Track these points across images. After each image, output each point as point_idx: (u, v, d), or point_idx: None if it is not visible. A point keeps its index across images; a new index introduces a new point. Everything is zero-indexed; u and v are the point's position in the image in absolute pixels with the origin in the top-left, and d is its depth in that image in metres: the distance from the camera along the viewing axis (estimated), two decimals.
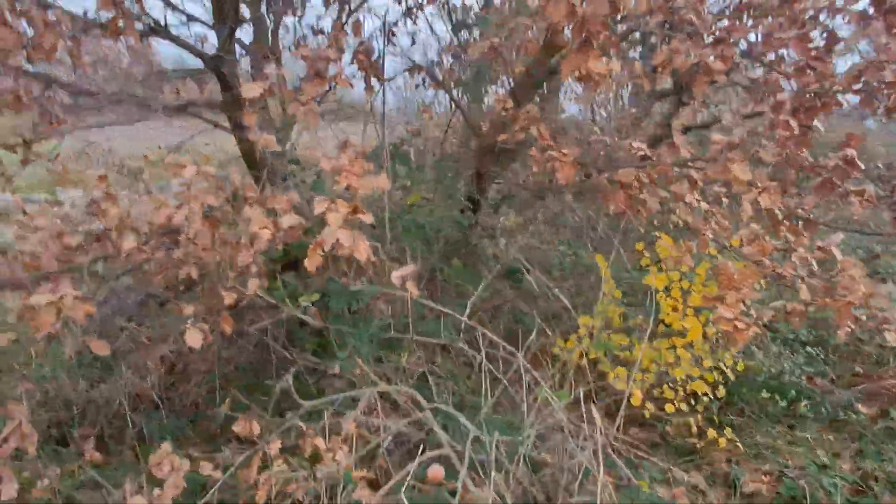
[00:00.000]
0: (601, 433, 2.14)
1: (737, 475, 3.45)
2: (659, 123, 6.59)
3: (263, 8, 4.59)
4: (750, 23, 3.00)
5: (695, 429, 3.50)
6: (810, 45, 2.77)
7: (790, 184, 2.49)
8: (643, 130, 6.69)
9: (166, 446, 2.83)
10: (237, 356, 4.00)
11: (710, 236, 3.24)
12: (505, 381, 2.58)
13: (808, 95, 2.74)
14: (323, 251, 2.17)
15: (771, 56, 3.00)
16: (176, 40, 3.40)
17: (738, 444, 3.42)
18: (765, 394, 3.78)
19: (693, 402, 3.59)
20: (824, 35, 2.85)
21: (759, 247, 3.08)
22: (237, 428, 2.56)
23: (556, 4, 1.79)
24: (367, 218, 2.40)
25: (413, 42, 5.04)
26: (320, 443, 2.37)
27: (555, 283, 4.25)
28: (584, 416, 2.24)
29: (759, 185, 2.71)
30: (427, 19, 4.32)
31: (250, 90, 2.56)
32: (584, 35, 1.86)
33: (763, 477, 3.50)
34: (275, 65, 2.61)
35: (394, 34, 3.82)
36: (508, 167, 3.80)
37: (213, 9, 3.67)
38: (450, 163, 3.39)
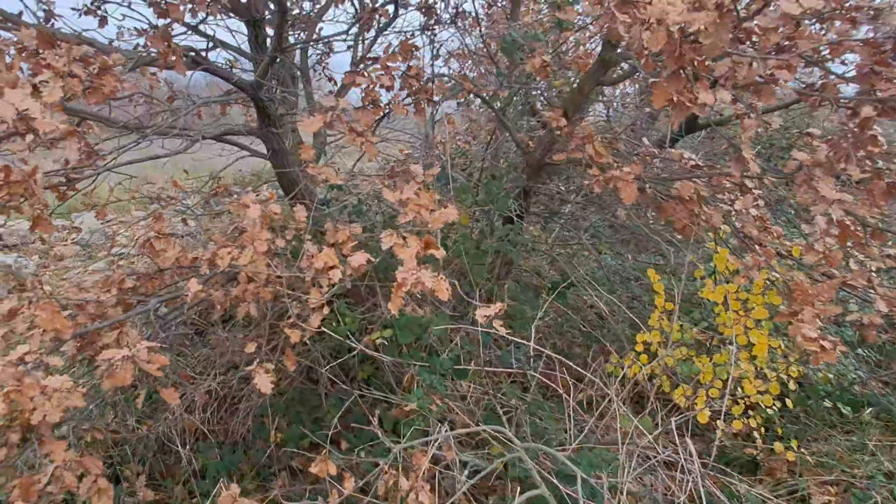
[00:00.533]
0: (698, 466, 2.08)
1: (803, 487, 3.39)
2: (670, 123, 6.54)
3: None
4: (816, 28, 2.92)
5: (760, 442, 3.43)
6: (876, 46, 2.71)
7: (880, 197, 2.41)
8: (656, 130, 6.66)
9: (234, 488, 2.77)
10: (284, 386, 3.94)
11: (770, 247, 3.18)
12: (592, 423, 2.51)
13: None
14: (405, 293, 2.10)
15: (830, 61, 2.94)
16: (215, 71, 3.33)
17: (808, 457, 3.35)
18: (828, 402, 3.71)
19: (751, 412, 3.53)
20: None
21: (824, 257, 3.01)
22: (314, 468, 2.49)
23: (655, 36, 1.73)
24: (440, 253, 2.34)
25: (437, 55, 4.99)
26: (403, 483, 2.31)
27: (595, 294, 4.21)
28: (679, 445, 2.18)
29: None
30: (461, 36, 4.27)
31: (311, 125, 2.49)
32: (679, 64, 1.80)
33: (830, 488, 3.44)
34: (336, 95, 2.54)
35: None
36: (552, 183, 3.75)
37: (249, 39, 3.61)
38: (498, 181, 3.32)
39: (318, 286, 2.47)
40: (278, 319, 3.71)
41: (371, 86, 2.76)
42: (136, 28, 4.54)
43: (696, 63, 1.82)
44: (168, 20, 4.15)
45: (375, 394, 2.94)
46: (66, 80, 2.04)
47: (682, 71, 1.87)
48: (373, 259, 2.47)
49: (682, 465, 2.09)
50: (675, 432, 2.58)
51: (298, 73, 4.66)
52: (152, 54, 2.81)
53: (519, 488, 2.06)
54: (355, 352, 2.99)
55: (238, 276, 2.86)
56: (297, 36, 4.28)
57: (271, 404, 3.85)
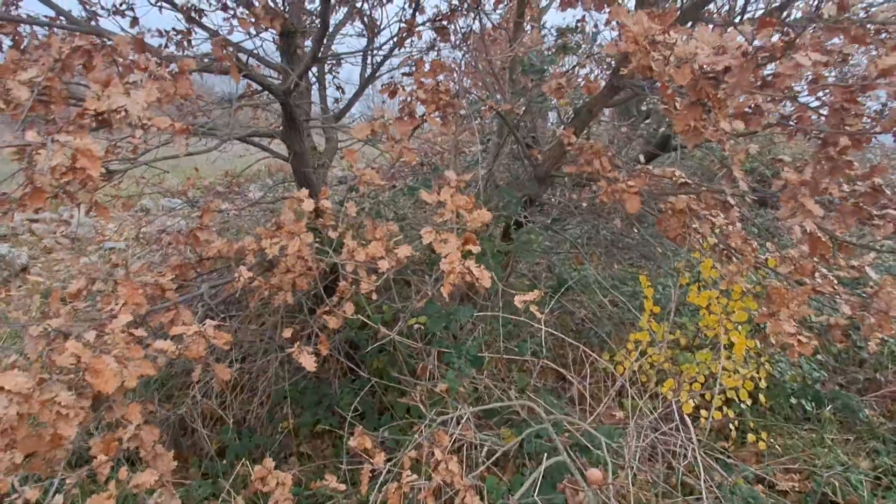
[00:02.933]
0: (695, 441, 2.43)
1: (770, 474, 3.78)
2: (647, 141, 7.04)
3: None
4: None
5: (733, 434, 3.82)
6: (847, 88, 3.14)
7: (849, 216, 2.82)
8: (633, 147, 7.12)
9: (269, 462, 3.01)
10: (296, 373, 4.17)
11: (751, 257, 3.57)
12: (603, 407, 2.84)
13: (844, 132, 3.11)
14: (453, 282, 2.40)
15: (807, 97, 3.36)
16: (254, 77, 3.59)
17: (777, 447, 3.75)
18: (793, 400, 4.14)
19: (726, 407, 3.92)
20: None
21: (798, 267, 3.43)
22: (353, 442, 2.75)
23: (681, 72, 2.09)
24: (477, 248, 2.64)
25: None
26: (438, 454, 2.59)
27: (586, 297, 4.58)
28: (679, 426, 2.53)
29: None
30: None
31: (360, 131, 2.79)
32: (698, 97, 2.16)
33: (793, 475, 3.85)
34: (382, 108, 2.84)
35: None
36: (555, 192, 4.10)
37: (282, 49, 3.89)
38: (512, 189, 3.65)
39: (365, 276, 2.75)
40: (298, 310, 3.97)
41: (409, 98, 3.06)
42: (157, 29, 4.77)
43: (710, 96, 2.18)
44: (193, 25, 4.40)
45: (420, 381, 3.21)
46: (160, 82, 2.29)
47: (699, 103, 2.23)
48: (415, 253, 2.76)
49: (681, 440, 2.44)
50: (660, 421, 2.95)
51: (315, 81, 4.94)
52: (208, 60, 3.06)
53: (545, 457, 2.37)
54: (386, 339, 3.23)
55: (277, 266, 3.11)
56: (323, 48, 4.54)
57: (284, 391, 4.08)
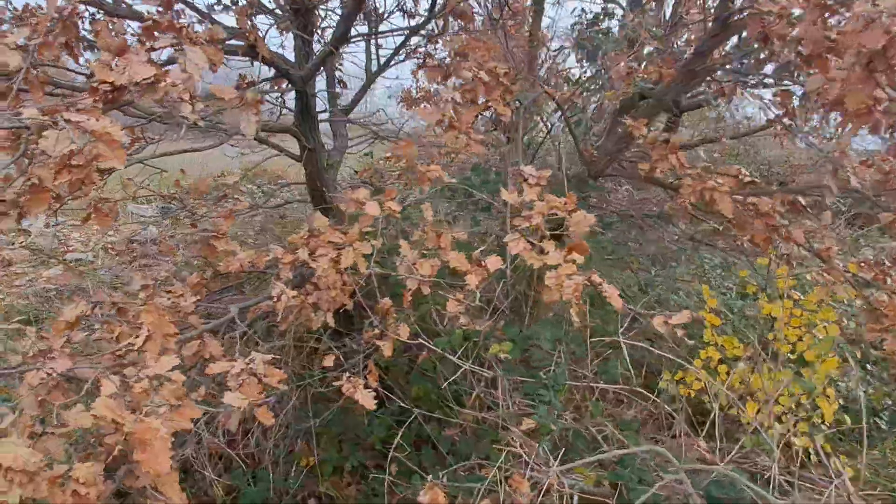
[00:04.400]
0: (850, 488, 2.03)
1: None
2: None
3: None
4: None
5: (816, 459, 3.45)
6: None
7: None
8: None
9: None
10: (316, 402, 3.62)
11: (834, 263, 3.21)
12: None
13: None
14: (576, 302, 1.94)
15: None
16: (272, 63, 3.07)
17: (867, 473, 3.39)
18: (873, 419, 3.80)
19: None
20: None
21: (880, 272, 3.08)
22: (423, 498, 2.23)
23: (871, 34, 1.68)
24: (580, 259, 2.19)
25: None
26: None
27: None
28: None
29: None
30: None
31: (430, 116, 2.30)
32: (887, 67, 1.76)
33: (878, 502, 3.50)
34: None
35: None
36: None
37: (297, 29, 3.37)
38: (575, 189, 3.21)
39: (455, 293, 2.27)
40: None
41: (474, 80, 2.59)
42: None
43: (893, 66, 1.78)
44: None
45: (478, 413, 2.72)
46: (201, 47, 1.75)
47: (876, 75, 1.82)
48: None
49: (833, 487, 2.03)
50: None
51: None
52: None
53: None
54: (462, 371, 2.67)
55: (316, 283, 2.58)
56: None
57: (306, 429, 3.52)
